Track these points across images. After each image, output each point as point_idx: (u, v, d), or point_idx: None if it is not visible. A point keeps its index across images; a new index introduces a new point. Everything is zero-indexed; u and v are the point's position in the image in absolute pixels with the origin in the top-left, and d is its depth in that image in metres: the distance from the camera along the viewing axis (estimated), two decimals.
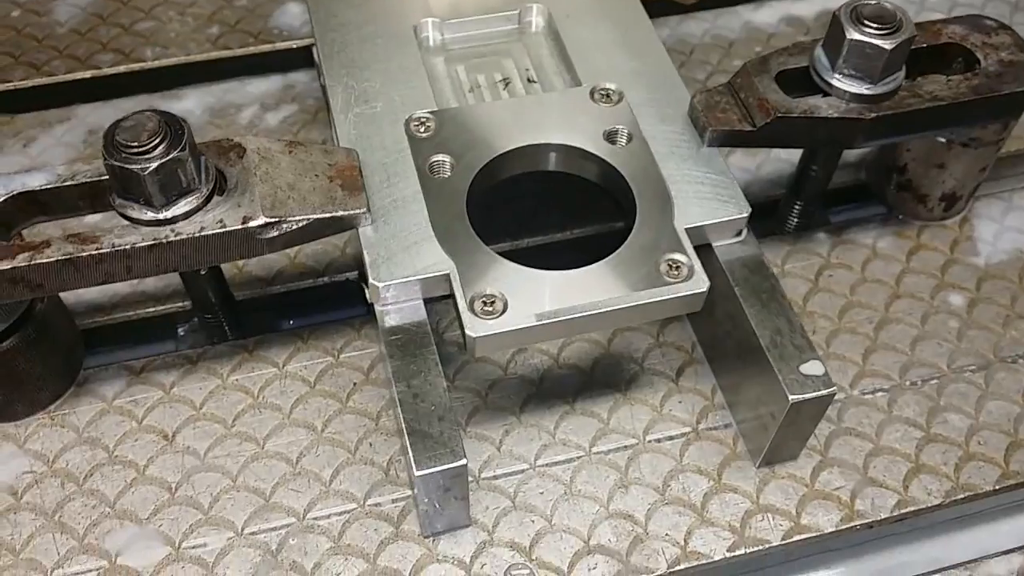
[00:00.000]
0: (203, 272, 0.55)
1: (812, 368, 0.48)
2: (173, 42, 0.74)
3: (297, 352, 0.57)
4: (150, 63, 0.72)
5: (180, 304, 0.59)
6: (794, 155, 0.66)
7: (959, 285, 0.61)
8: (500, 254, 0.49)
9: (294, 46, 0.73)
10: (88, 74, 0.72)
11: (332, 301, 0.61)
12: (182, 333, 0.59)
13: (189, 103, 0.71)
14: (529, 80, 0.59)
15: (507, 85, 0.59)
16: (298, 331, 0.58)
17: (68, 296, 0.57)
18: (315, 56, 0.60)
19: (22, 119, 0.70)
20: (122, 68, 0.72)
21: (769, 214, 0.64)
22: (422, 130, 0.54)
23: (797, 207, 0.63)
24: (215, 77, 0.72)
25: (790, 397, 0.47)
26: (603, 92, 0.55)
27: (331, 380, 0.56)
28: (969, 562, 0.52)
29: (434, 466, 0.45)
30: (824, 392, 0.47)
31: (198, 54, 0.73)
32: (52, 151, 0.68)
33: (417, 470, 0.45)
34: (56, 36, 0.74)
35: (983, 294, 0.61)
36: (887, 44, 0.50)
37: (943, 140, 0.59)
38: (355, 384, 0.56)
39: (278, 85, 0.72)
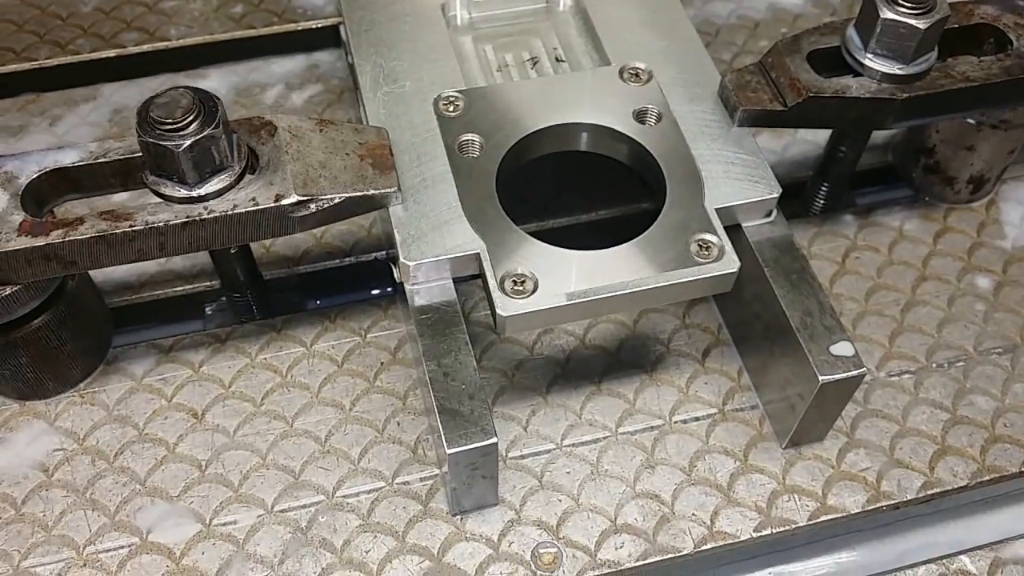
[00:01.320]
0: (233, 251, 0.55)
1: (842, 349, 0.48)
2: (197, 21, 0.74)
3: (324, 332, 0.57)
4: (174, 42, 0.72)
5: (208, 283, 0.60)
6: (820, 136, 0.65)
7: (986, 268, 0.61)
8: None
9: (318, 25, 0.73)
10: (113, 53, 0.72)
11: (359, 281, 0.61)
12: (210, 312, 0.59)
13: (214, 82, 0.71)
14: (557, 59, 0.59)
15: (535, 64, 0.59)
16: (325, 311, 0.59)
17: (97, 275, 0.57)
18: (343, 35, 0.60)
19: (48, 98, 0.70)
20: (146, 47, 0.72)
21: (795, 196, 0.64)
22: (451, 109, 0.53)
23: (824, 189, 0.63)
24: (239, 56, 0.72)
25: (820, 378, 0.47)
26: (632, 71, 0.55)
27: (358, 359, 0.56)
28: (995, 543, 0.52)
29: (465, 444, 0.45)
30: (854, 373, 0.47)
31: (222, 33, 0.73)
32: (78, 130, 0.68)
33: (448, 448, 0.45)
34: (80, 15, 0.74)
35: (1010, 277, 0.60)
36: (921, 24, 0.50)
37: (972, 122, 0.59)
38: (382, 363, 0.56)
39: (303, 65, 0.72)
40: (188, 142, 0.45)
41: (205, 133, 0.45)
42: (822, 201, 0.63)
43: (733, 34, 0.73)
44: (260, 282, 0.59)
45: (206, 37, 0.73)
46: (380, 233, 0.62)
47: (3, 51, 0.72)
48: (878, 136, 0.66)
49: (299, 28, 0.73)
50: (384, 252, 0.61)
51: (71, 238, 0.46)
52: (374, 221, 0.63)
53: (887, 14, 0.50)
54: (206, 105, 0.46)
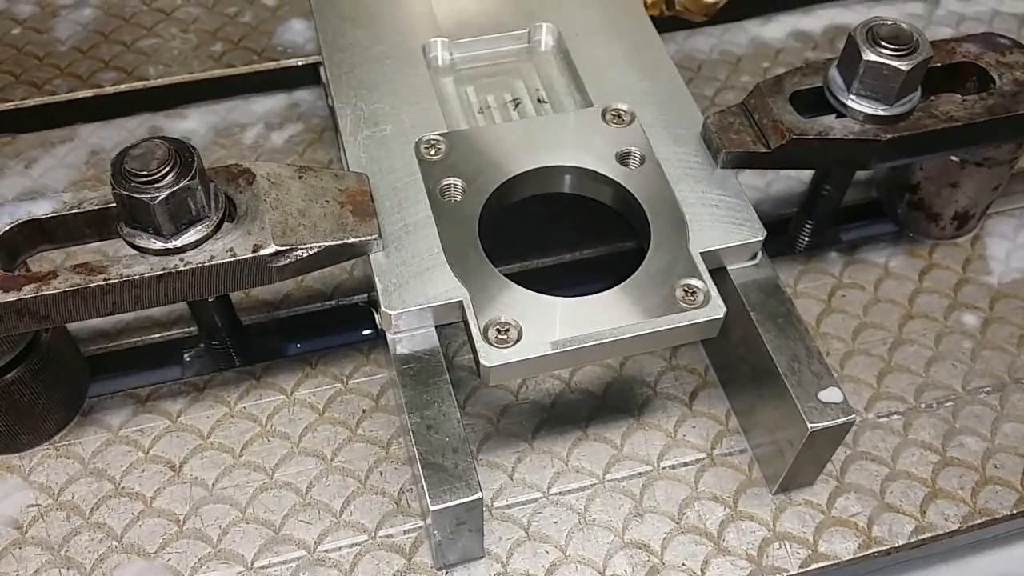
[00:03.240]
0: (210, 299, 0.54)
1: (831, 395, 0.47)
2: (176, 60, 0.73)
3: (305, 378, 0.56)
4: (153, 81, 0.72)
5: (186, 330, 0.59)
6: (804, 174, 0.65)
7: (972, 304, 0.61)
8: (510, 275, 0.48)
9: (299, 63, 0.72)
10: (90, 93, 0.71)
11: (340, 325, 0.60)
12: (188, 359, 0.58)
13: (193, 122, 0.70)
14: (539, 100, 0.58)
15: (517, 106, 0.58)
16: (306, 356, 0.58)
17: (72, 323, 0.56)
18: (323, 77, 0.60)
19: (23, 139, 0.69)
20: (124, 87, 0.72)
21: (780, 233, 0.63)
22: (432, 153, 0.53)
23: (809, 226, 0.62)
24: (219, 95, 0.71)
25: (809, 425, 0.46)
26: (615, 113, 0.55)
27: (340, 407, 0.55)
28: None
29: (449, 500, 0.44)
30: (843, 420, 0.47)
31: (201, 72, 0.72)
32: (54, 172, 0.67)
33: (432, 504, 0.44)
34: (57, 54, 0.74)
35: (996, 313, 0.60)
36: (904, 65, 0.50)
37: (956, 159, 0.58)
38: (364, 411, 0.55)
39: (283, 103, 0.71)
40: (164, 194, 0.44)
41: (181, 185, 0.44)
42: (807, 239, 0.63)
43: (715, 69, 0.73)
44: (239, 328, 0.58)
45: (185, 76, 0.72)
46: (362, 276, 0.61)
47: None
48: (862, 172, 0.65)
49: (279, 66, 0.73)
50: (366, 295, 0.60)
51: (44, 292, 0.45)
52: (356, 263, 0.62)
53: (869, 56, 0.50)
54: (182, 155, 0.45)
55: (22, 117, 0.70)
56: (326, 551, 0.50)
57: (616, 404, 0.56)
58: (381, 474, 0.53)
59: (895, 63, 0.50)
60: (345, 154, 0.54)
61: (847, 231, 0.65)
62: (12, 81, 0.72)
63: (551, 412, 0.56)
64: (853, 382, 0.57)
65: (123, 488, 0.52)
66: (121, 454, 0.53)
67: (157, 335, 0.59)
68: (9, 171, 0.67)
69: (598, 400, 0.56)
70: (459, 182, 0.52)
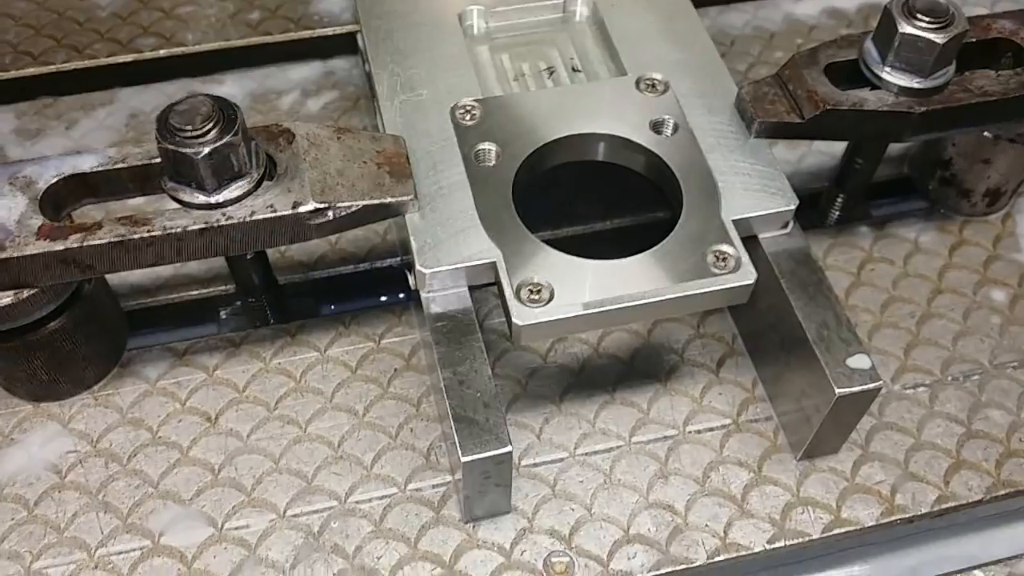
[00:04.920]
0: (249, 256, 0.55)
1: (859, 362, 0.48)
2: (213, 27, 0.74)
3: (339, 337, 0.58)
4: (191, 47, 0.73)
5: (223, 287, 0.60)
6: (836, 148, 0.65)
7: (1001, 281, 0.61)
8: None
9: (335, 32, 0.73)
10: (130, 57, 0.72)
11: (373, 287, 0.61)
12: (224, 316, 0.59)
13: (230, 88, 0.71)
14: (574, 69, 0.59)
15: (552, 74, 0.59)
16: (339, 316, 0.59)
17: (112, 278, 0.57)
18: (360, 43, 0.61)
19: (64, 102, 0.70)
20: (163, 52, 0.73)
21: (811, 207, 0.64)
22: (468, 118, 0.54)
23: (840, 200, 0.63)
24: (255, 62, 0.72)
25: (837, 390, 0.47)
26: (649, 82, 0.55)
27: (372, 365, 0.56)
28: (1009, 558, 0.52)
29: (480, 452, 0.45)
30: (871, 386, 0.47)
31: (238, 39, 0.73)
32: (94, 134, 0.68)
33: (463, 456, 0.45)
34: (97, 19, 0.75)
35: None
36: (939, 38, 0.50)
37: (989, 135, 0.59)
38: (396, 370, 0.56)
39: (319, 71, 0.72)
40: (207, 149, 0.45)
41: (224, 141, 0.45)
42: (837, 212, 0.63)
43: (748, 45, 0.73)
44: (275, 287, 0.59)
45: (222, 43, 0.73)
46: (395, 239, 0.62)
47: (20, 55, 0.72)
48: (894, 148, 0.66)
49: (315, 35, 0.73)
50: (399, 258, 0.61)
51: (89, 243, 0.46)
52: (389, 227, 0.63)
53: (905, 28, 0.50)
54: (225, 113, 0.46)
55: (63, 80, 0.71)
56: (357, 502, 0.51)
57: (643, 369, 0.57)
58: (411, 430, 0.54)
59: (931, 36, 0.50)
60: (382, 118, 0.55)
61: (878, 207, 0.65)
62: (54, 45, 0.73)
63: (579, 376, 0.56)
64: (880, 354, 0.57)
65: (160, 437, 0.54)
66: (158, 405, 0.55)
67: (195, 292, 0.60)
68: (51, 132, 0.68)
69: (625, 365, 0.57)
70: (493, 147, 0.52)
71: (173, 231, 0.46)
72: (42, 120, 0.69)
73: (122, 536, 0.50)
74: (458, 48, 0.58)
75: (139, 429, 0.54)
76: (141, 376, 0.56)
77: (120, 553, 0.50)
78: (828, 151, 0.66)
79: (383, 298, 0.60)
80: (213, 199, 0.47)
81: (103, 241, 0.46)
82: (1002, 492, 0.52)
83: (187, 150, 0.45)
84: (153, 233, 0.46)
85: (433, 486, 0.52)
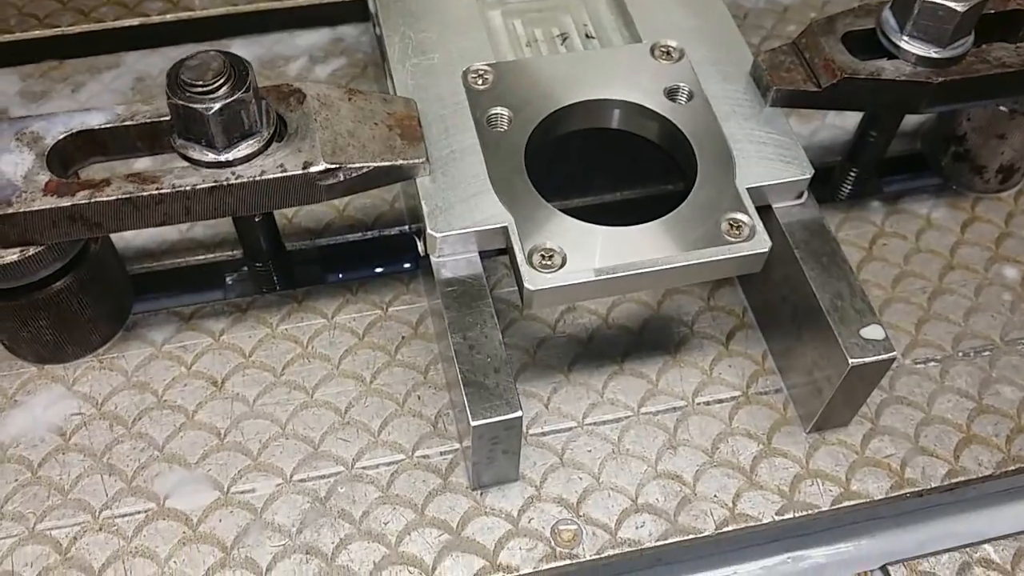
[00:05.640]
0: (257, 220, 0.55)
1: (872, 332, 0.47)
2: None
3: (346, 304, 0.57)
4: (198, 12, 0.72)
5: (230, 253, 0.59)
6: (850, 122, 0.65)
7: (1013, 258, 0.60)
8: None
9: None
10: (136, 21, 0.72)
11: (381, 255, 0.60)
12: (230, 282, 0.59)
13: (237, 53, 0.70)
14: (587, 36, 0.58)
15: (565, 40, 0.58)
16: (347, 283, 0.58)
17: (118, 241, 0.57)
18: (371, 6, 0.60)
19: (70, 64, 0.70)
20: (170, 16, 0.72)
21: (823, 181, 0.63)
22: (480, 82, 0.53)
23: (853, 174, 0.62)
24: (263, 28, 0.72)
25: (850, 360, 0.47)
26: (664, 49, 0.55)
27: (380, 333, 0.56)
28: (1019, 533, 0.52)
29: (490, 416, 0.45)
30: (884, 356, 0.47)
31: (246, 4, 0.72)
32: (100, 97, 0.67)
33: (473, 420, 0.44)
34: None
35: None
36: (959, 6, 0.49)
37: (1005, 109, 0.58)
38: (403, 337, 0.56)
39: (327, 38, 0.71)
40: (218, 105, 0.44)
41: (235, 97, 0.45)
42: (850, 187, 0.63)
43: (762, 18, 0.73)
44: (282, 253, 0.59)
45: (230, 8, 0.72)
46: (403, 207, 0.62)
47: (26, 17, 0.71)
48: (907, 123, 0.65)
49: (324, 1, 0.72)
50: (408, 226, 0.61)
51: (97, 199, 0.46)
52: (397, 195, 0.62)
53: None
54: (237, 69, 0.45)
55: (69, 43, 0.71)
56: (364, 468, 0.51)
57: (653, 341, 0.56)
58: (419, 398, 0.53)
59: (950, 3, 0.49)
60: (393, 81, 0.54)
61: (890, 183, 0.65)
62: (59, 8, 0.72)
63: (588, 346, 0.56)
64: (891, 328, 0.57)
65: (165, 401, 0.53)
66: (164, 369, 0.54)
67: (201, 256, 0.59)
68: (57, 95, 0.67)
69: (635, 336, 0.56)
70: (506, 112, 0.52)
71: (182, 189, 0.46)
72: (47, 83, 0.68)
73: (127, 499, 0.50)
74: (470, 12, 0.57)
75: (144, 392, 0.54)
76: (147, 340, 0.55)
77: (125, 516, 0.50)
78: (842, 125, 0.66)
79: (391, 266, 0.60)
80: (223, 157, 0.46)
81: (111, 198, 0.46)
82: (1012, 467, 0.52)
83: (198, 106, 0.44)
84: (162, 191, 0.46)
85: (441, 453, 0.52)
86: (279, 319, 0.56)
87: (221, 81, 0.45)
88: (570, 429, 0.53)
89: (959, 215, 0.62)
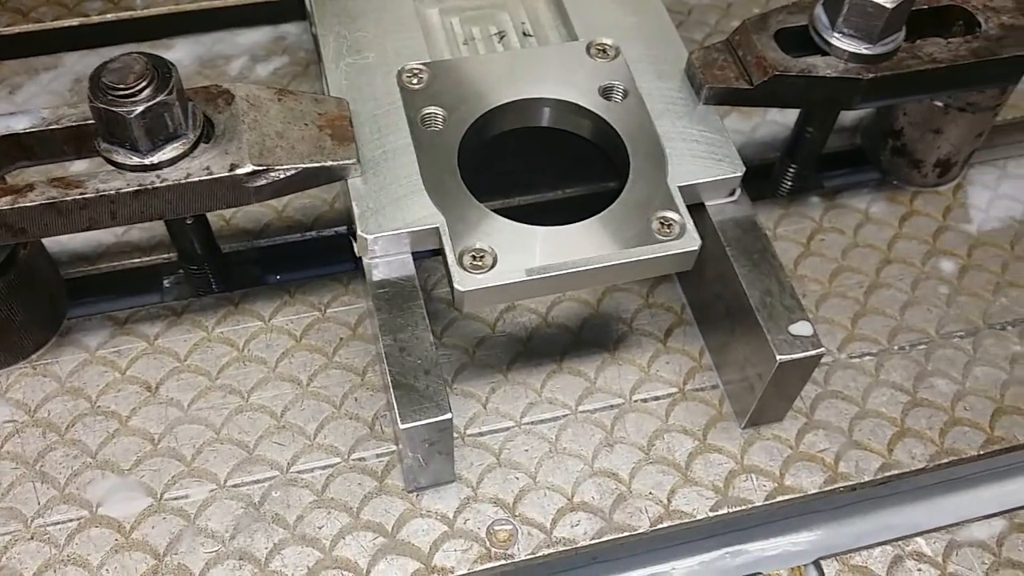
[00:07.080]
0: (189, 222, 0.54)
1: (801, 328, 0.48)
2: None
3: (283, 306, 0.57)
4: (139, 11, 0.71)
5: (165, 255, 0.59)
6: (789, 118, 0.65)
7: (951, 251, 0.61)
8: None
9: None
10: (75, 21, 0.71)
11: (319, 256, 0.60)
12: (167, 285, 0.58)
13: (178, 53, 0.69)
14: (525, 34, 0.58)
15: (502, 38, 0.58)
16: (285, 285, 0.58)
17: (52, 245, 0.56)
18: (307, 5, 0.59)
19: (7, 66, 0.68)
20: (110, 16, 0.71)
21: (763, 177, 0.63)
22: (415, 82, 0.53)
23: (791, 170, 0.62)
24: (205, 27, 0.71)
25: (778, 357, 0.47)
26: (599, 47, 0.54)
27: (317, 335, 0.56)
28: (950, 526, 0.52)
29: (419, 420, 0.44)
30: (812, 352, 0.47)
31: (188, 3, 0.71)
32: (38, 99, 0.67)
33: (402, 423, 0.44)
34: None
35: (974, 261, 0.60)
36: (888, 3, 0.50)
37: (940, 104, 0.58)
38: (341, 339, 0.56)
39: (269, 36, 0.71)
40: (140, 108, 0.44)
41: (158, 99, 0.44)
42: (790, 183, 0.63)
43: (706, 14, 0.73)
44: (218, 255, 0.58)
45: (171, 7, 0.71)
46: (342, 207, 0.61)
47: None
48: (846, 118, 0.65)
49: None
50: (346, 227, 0.60)
51: (20, 204, 0.45)
52: (337, 195, 0.62)
53: None
54: (160, 71, 0.45)
55: (6, 44, 0.70)
56: (299, 472, 0.51)
57: (592, 339, 0.56)
58: (356, 400, 0.53)
59: (880, 0, 0.50)
60: (327, 81, 0.54)
61: (830, 178, 0.65)
62: None
63: (527, 345, 0.56)
64: (827, 323, 0.57)
65: (99, 407, 0.53)
66: (98, 374, 0.54)
67: (137, 260, 0.59)
68: None
69: (574, 335, 0.56)
70: (440, 111, 0.52)
71: (106, 193, 0.45)
72: None
73: (59, 506, 0.50)
74: (407, 11, 0.57)
75: (78, 399, 0.53)
76: (81, 345, 0.55)
77: (57, 524, 0.49)
78: (782, 121, 0.66)
79: (330, 267, 0.59)
80: (147, 160, 0.46)
81: (34, 203, 0.45)
82: (945, 460, 0.53)
83: (119, 109, 0.44)
84: (86, 195, 0.45)
85: (377, 455, 0.51)
86: (215, 322, 0.56)
87: (143, 84, 0.44)
88: (508, 429, 0.53)
89: (897, 209, 0.63)
